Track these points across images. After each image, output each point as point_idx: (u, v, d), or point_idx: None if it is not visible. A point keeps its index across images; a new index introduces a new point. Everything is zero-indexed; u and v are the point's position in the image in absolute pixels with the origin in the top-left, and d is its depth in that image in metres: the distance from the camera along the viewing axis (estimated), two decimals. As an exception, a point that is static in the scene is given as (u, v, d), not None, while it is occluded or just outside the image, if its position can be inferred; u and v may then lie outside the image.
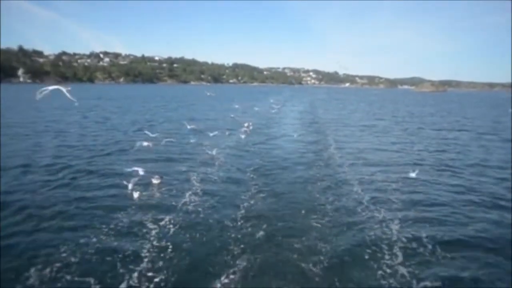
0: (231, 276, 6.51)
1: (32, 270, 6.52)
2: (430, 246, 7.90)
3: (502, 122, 37.18)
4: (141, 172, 11.89)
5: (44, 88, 10.75)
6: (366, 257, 7.41)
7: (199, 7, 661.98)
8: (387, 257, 7.41)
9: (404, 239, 8.22)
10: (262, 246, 7.80)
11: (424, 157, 17.92)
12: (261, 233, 8.41)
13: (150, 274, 6.52)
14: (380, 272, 6.84)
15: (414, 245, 7.98)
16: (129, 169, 12.34)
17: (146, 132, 18.82)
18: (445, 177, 14.14)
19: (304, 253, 7.50)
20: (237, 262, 7.02)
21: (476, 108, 64.99)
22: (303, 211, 9.91)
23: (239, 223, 8.93)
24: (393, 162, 16.70)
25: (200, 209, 9.83)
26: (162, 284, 6.25)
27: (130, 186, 10.81)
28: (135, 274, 6.46)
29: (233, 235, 8.23)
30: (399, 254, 7.53)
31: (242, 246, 7.70)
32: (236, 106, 39.92)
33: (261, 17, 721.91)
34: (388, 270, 6.88)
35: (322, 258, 7.29)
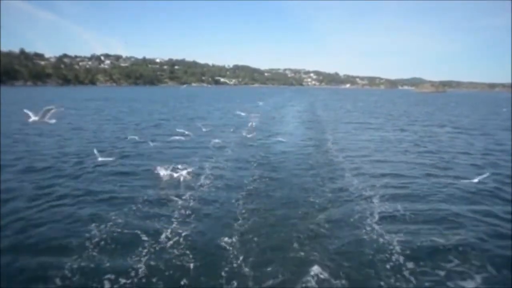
0: (236, 235, 8.14)
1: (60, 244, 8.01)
2: (407, 216, 9.50)
3: (488, 120, 39.38)
4: (163, 159, 13.47)
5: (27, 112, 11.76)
6: (354, 227, 8.95)
7: (200, 9, 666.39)
8: (369, 221, 9.08)
9: (384, 210, 9.88)
10: (262, 214, 9.45)
11: (408, 147, 20.27)
12: (262, 204, 10.13)
13: (179, 231, 8.23)
14: (365, 237, 8.43)
15: (393, 214, 9.63)
16: (151, 158, 14.03)
17: (160, 127, 20.51)
18: (424, 161, 16.57)
19: (297, 220, 9.11)
20: (241, 226, 8.61)
21: (470, 107, 66.86)
22: (298, 189, 11.68)
23: (244, 198, 10.69)
24: (380, 151, 19.01)
25: (213, 188, 11.59)
26: (190, 237, 7.91)
27: (159, 171, 12.49)
28: (169, 231, 8.20)
29: (239, 206, 9.97)
30: (381, 222, 9.17)
31: (245, 214, 9.40)
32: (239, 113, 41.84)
33: (261, 19, 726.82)
34: (369, 230, 8.54)
35: (316, 225, 8.83)
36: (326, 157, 16.77)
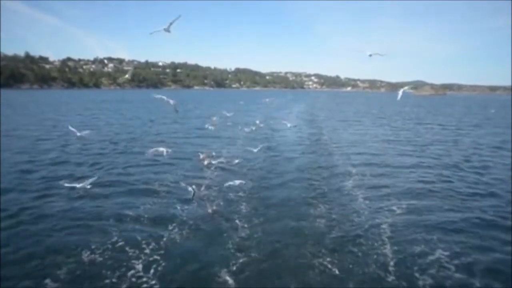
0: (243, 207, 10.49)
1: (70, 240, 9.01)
2: (386, 197, 11.65)
3: (468, 119, 43.20)
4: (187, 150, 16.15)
5: None
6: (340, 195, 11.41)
7: (201, 12, 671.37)
8: (347, 187, 11.88)
9: (365, 192, 12.00)
10: (265, 192, 11.78)
11: (388, 138, 24.66)
12: (267, 186, 12.57)
13: (192, 206, 10.47)
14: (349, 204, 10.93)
15: (371, 193, 12.01)
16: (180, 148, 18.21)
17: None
18: (400, 149, 20.51)
19: (295, 202, 11.08)
20: (245, 206, 10.53)
21: (461, 108, 70.29)
22: (296, 171, 14.46)
23: (252, 177, 13.35)
24: (363, 141, 23.09)
25: (227, 167, 14.57)
26: (209, 212, 9.98)
27: (202, 159, 15.12)
28: (187, 206, 10.37)
29: (249, 181, 12.53)
30: (362, 202, 11.16)
31: (253, 189, 11.84)
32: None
33: (263, 22, 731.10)
34: (350, 196, 11.25)
35: (313, 209, 10.55)
36: (322, 147, 20.20)
